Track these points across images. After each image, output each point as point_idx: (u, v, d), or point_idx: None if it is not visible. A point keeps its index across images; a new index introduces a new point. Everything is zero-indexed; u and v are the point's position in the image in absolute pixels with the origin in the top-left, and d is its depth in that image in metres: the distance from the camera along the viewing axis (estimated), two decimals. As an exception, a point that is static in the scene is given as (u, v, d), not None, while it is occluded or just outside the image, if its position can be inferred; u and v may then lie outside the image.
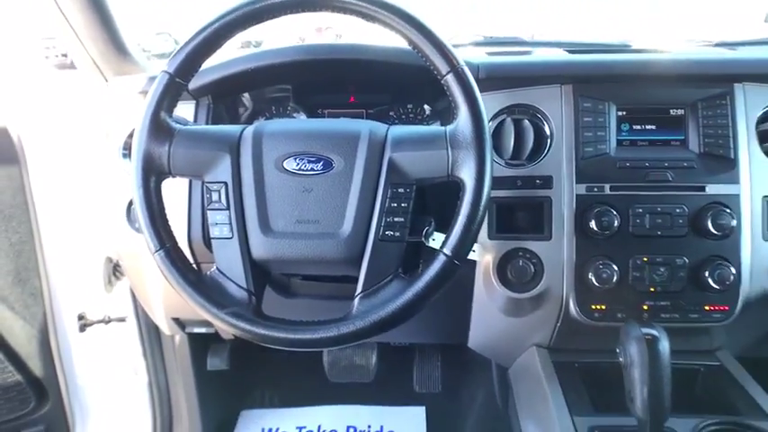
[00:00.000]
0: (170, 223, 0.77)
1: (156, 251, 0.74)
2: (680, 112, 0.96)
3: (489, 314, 1.05)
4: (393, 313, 0.71)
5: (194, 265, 1.00)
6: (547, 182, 0.94)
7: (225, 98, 1.07)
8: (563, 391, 0.92)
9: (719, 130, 0.93)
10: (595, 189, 0.93)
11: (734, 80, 0.95)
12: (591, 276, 0.91)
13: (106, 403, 1.42)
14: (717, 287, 0.90)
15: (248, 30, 0.77)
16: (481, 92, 0.96)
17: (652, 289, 0.92)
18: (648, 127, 0.96)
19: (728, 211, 0.90)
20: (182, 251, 0.77)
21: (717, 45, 1.27)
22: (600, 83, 0.96)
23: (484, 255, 0.96)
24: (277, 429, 1.62)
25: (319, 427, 1.61)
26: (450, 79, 0.73)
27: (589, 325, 0.94)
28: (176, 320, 1.22)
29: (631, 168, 0.93)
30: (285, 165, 0.76)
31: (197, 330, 1.26)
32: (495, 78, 0.97)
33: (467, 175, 0.71)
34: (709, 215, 0.90)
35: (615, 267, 0.91)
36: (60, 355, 1.33)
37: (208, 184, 0.77)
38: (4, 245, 1.20)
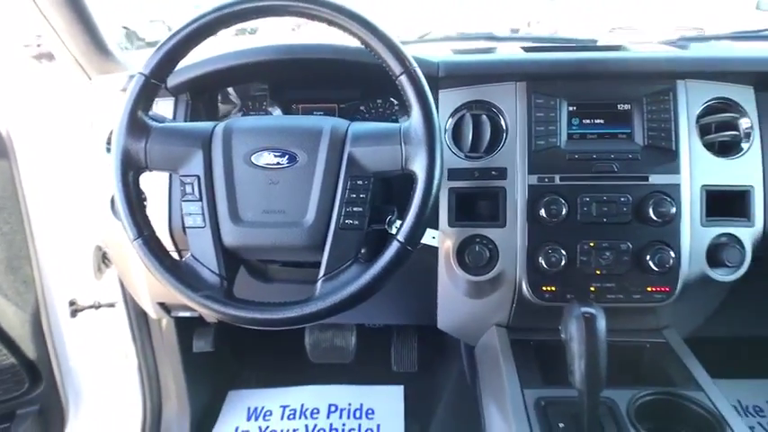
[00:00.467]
0: (150, 214, 0.82)
1: (135, 239, 0.80)
2: (627, 107, 1.00)
3: (453, 296, 1.11)
4: (352, 295, 0.77)
5: (176, 253, 1.06)
6: (502, 173, 0.99)
7: (203, 95, 1.12)
8: (517, 366, 0.99)
9: (663, 123, 0.98)
10: (546, 180, 0.98)
11: (677, 77, 1.00)
12: (541, 260, 0.97)
13: (98, 385, 1.47)
14: (658, 270, 0.95)
15: (218, 33, 0.82)
16: (442, 88, 1.03)
17: (598, 272, 0.98)
18: (597, 121, 1.00)
19: (669, 199, 0.95)
20: (159, 240, 0.83)
21: (679, 40, 1.32)
22: (551, 80, 1.01)
23: (444, 241, 1.02)
24: (262, 408, 1.68)
25: (302, 405, 1.67)
26: (404, 80, 0.78)
27: (541, 305, 1.00)
28: (162, 305, 1.26)
29: (580, 160, 0.98)
30: (253, 159, 0.82)
31: (182, 314, 1.31)
32: (455, 76, 1.02)
33: (418, 168, 0.77)
34: (652, 203, 0.95)
35: (564, 252, 0.97)
36: (53, 339, 1.37)
37: (182, 178, 0.82)
38: (-5, 235, 1.23)
